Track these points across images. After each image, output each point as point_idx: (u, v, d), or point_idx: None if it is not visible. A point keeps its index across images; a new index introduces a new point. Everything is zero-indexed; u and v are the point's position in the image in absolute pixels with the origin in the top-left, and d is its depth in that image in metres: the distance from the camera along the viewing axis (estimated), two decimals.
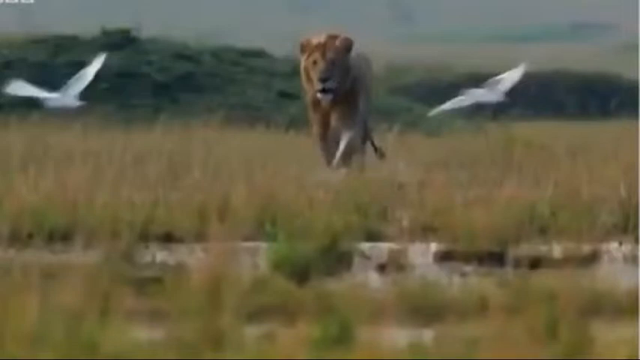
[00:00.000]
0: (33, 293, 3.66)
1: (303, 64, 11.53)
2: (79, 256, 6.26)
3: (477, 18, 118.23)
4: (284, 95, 30.00)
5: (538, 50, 70.79)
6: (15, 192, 7.98)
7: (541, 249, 6.82)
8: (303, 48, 11.50)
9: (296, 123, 20.17)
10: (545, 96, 40.74)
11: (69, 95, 12.83)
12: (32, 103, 15.34)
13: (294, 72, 21.00)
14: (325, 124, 11.43)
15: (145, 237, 7.08)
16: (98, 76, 13.53)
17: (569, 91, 42.30)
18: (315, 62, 11.23)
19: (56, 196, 7.94)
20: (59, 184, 8.34)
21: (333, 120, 11.42)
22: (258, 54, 33.22)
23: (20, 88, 13.58)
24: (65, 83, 12.99)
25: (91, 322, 3.50)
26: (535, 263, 6.35)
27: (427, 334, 4.25)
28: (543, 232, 7.42)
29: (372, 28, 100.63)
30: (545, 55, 60.44)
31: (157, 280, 5.05)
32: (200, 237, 6.97)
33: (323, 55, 11.23)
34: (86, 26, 34.79)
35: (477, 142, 16.30)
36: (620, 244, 7.28)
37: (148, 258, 6.52)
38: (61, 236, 7.17)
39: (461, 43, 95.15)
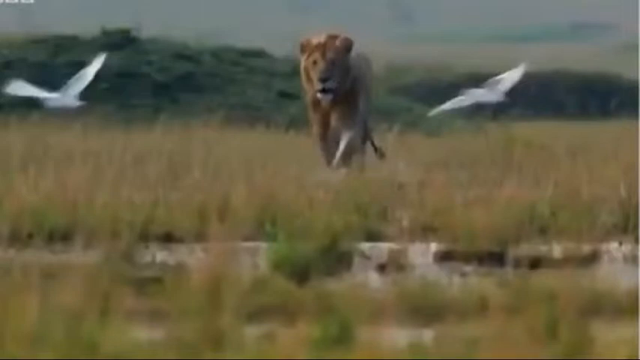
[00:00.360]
0: (33, 293, 3.67)
1: (303, 64, 11.52)
2: (79, 256, 6.27)
3: (477, 18, 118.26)
4: (284, 95, 30.01)
5: (538, 50, 70.84)
6: (15, 192, 7.98)
7: (541, 249, 6.83)
8: (303, 48, 11.49)
9: (296, 123, 20.18)
10: (545, 96, 40.75)
11: (69, 95, 12.85)
12: (32, 103, 15.35)
13: (294, 72, 21.01)
14: (325, 124, 11.43)
15: (145, 237, 7.09)
16: (98, 76, 13.54)
17: (569, 91, 42.30)
18: (315, 62, 11.23)
19: (56, 196, 7.95)
20: (59, 184, 8.35)
21: (333, 120, 11.42)
22: (258, 54, 33.24)
23: (20, 88, 13.59)
24: (65, 83, 13.00)
25: (91, 322, 3.50)
26: (535, 263, 6.36)
27: (427, 334, 4.24)
28: (543, 232, 7.43)
29: (372, 28, 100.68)
30: (545, 55, 60.49)
31: (157, 280, 5.07)
32: (200, 237, 6.98)
33: (323, 55, 11.22)
34: (86, 26, 34.81)
35: (476, 142, 16.30)
36: (620, 244, 7.29)
37: (148, 258, 6.54)
38: (61, 236, 7.17)
39: (461, 43, 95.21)
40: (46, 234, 7.08)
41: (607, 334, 3.74)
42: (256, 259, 6.46)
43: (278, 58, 33.17)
